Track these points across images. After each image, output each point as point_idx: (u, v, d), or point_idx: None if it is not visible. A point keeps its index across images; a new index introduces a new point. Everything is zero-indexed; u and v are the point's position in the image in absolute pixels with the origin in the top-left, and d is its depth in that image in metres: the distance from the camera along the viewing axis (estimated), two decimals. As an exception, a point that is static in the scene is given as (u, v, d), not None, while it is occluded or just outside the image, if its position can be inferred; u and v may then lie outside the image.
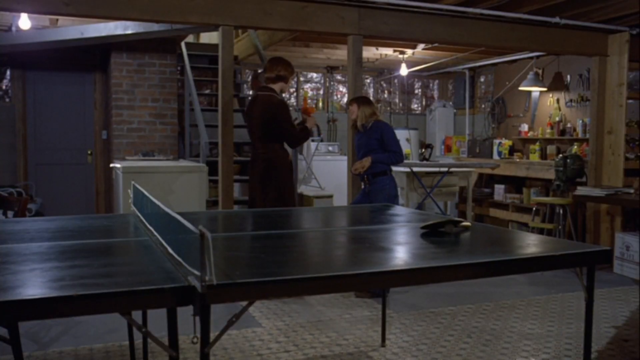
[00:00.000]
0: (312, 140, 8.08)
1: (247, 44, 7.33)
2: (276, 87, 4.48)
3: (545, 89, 7.91)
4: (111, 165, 5.93)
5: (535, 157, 7.58)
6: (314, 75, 9.61)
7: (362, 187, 4.86)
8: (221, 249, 2.18)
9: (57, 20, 6.12)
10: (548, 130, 7.82)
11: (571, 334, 3.80)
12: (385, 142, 4.69)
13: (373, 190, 4.70)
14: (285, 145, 4.57)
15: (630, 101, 6.27)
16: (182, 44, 7.14)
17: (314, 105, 7.98)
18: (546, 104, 8.01)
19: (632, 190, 5.42)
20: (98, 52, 7.27)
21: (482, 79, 9.46)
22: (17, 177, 7.26)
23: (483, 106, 9.37)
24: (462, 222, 2.67)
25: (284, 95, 4.38)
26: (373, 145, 4.72)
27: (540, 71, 7.98)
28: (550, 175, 6.43)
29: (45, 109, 7.41)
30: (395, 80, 9.96)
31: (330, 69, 9.36)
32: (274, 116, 4.37)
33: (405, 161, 7.77)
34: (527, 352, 3.47)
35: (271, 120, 4.38)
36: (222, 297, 1.62)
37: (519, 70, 8.24)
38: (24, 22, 5.49)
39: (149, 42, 6.85)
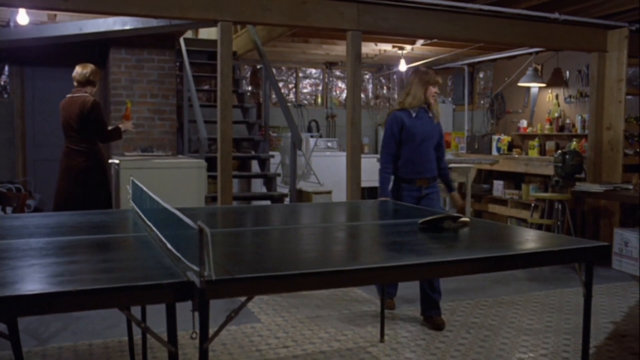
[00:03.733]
0: (311, 137, 8.08)
1: (246, 39, 7.32)
2: (87, 90, 4.79)
3: (544, 85, 7.90)
4: (110, 161, 5.92)
5: (534, 153, 7.58)
6: (313, 71, 9.59)
7: (415, 193, 3.86)
8: (220, 245, 2.18)
9: (55, 15, 6.10)
10: (547, 126, 7.81)
11: (570, 329, 3.81)
12: (441, 139, 3.96)
13: (432, 194, 3.89)
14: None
15: (629, 97, 6.26)
16: (181, 40, 7.13)
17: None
18: (545, 100, 8.01)
19: (630, 186, 5.43)
20: (96, 48, 7.25)
21: (481, 75, 9.45)
22: (16, 173, 7.25)
23: (482, 102, 9.35)
24: (460, 217, 2.67)
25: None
26: (438, 141, 3.94)
27: (539, 67, 7.97)
28: (549, 171, 6.43)
29: (44, 104, 7.39)
30: (394, 76, 9.95)
31: (329, 65, 9.35)
32: (88, 115, 4.72)
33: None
34: (526, 348, 3.48)
35: (86, 119, 4.72)
36: (221, 293, 1.62)
37: (518, 66, 8.23)
38: (22, 17, 5.48)
39: (147, 38, 6.84)
